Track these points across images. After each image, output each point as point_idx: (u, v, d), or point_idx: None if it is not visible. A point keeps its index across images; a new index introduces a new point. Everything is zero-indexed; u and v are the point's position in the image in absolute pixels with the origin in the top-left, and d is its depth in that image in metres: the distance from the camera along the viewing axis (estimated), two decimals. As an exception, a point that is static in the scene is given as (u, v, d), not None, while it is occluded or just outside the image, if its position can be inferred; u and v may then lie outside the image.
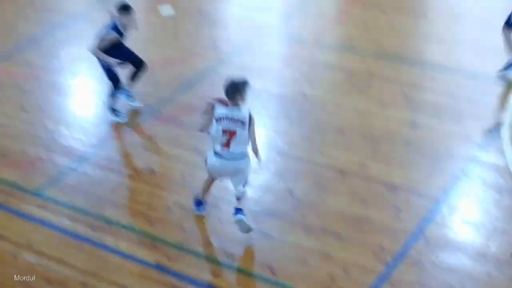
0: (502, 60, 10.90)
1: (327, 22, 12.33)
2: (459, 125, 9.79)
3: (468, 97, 10.31)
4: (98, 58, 9.72)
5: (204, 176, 8.12)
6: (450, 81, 10.69)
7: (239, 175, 7.85)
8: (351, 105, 10.27)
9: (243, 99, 7.63)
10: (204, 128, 7.78)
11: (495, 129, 9.67)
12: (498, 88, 10.50)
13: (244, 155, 7.79)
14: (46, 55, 11.74)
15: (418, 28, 12.06)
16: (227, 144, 7.64)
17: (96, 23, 12.54)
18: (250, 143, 7.78)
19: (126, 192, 8.88)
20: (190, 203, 8.38)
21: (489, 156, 9.21)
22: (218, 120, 7.61)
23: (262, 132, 9.84)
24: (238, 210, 7.87)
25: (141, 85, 10.67)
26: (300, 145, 9.55)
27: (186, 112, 10.23)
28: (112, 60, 9.61)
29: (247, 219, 7.85)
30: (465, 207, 8.43)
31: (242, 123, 7.60)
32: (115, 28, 9.67)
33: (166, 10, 12.86)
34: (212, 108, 7.71)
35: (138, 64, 10.02)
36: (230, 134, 7.61)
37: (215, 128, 7.63)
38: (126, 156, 9.51)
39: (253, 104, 10.38)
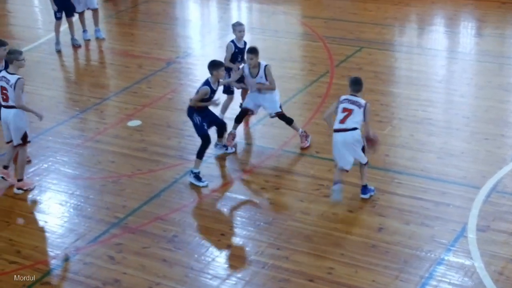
0: (467, 165, 11.14)
1: (291, 131, 12.47)
2: (425, 227, 9.85)
3: (433, 200, 10.40)
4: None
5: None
6: (415, 184, 10.81)
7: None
8: (318, 211, 10.32)
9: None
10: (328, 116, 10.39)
11: (461, 229, 9.73)
12: (462, 190, 10.62)
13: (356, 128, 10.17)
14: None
15: (382, 134, 12.25)
16: (342, 120, 10.12)
17: None
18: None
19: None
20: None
21: (456, 257, 9.24)
22: (342, 102, 10.23)
23: (230, 240, 9.85)
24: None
25: (108, 196, 10.73)
26: (267, 252, 9.53)
27: (153, 222, 10.22)
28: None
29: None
30: (434, 309, 8.39)
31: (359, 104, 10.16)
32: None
33: (134, 122, 13.07)
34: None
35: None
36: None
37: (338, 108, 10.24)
38: (92, 268, 9.39)
39: (220, 211, 10.50)
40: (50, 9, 16.67)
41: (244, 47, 12.37)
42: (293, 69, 15.00)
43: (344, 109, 10.16)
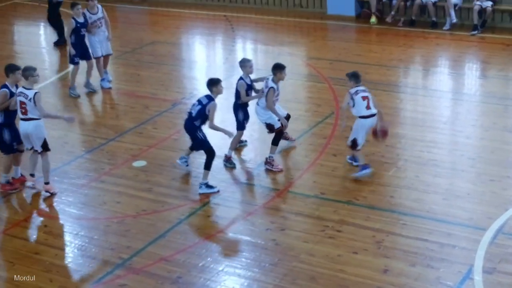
0: (473, 206, 11.11)
1: (297, 172, 12.50)
2: (431, 268, 9.79)
3: (439, 242, 10.36)
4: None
5: None
6: (421, 226, 10.77)
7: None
8: (323, 252, 10.28)
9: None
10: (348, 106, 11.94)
11: (467, 271, 9.67)
12: (468, 232, 10.57)
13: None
14: None
15: (387, 176, 12.25)
16: (368, 107, 11.80)
17: None
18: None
19: None
20: None
21: (462, 300, 9.19)
22: (356, 93, 11.83)
23: (235, 281, 9.80)
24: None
25: (113, 237, 10.72)
26: (272, 293, 9.50)
27: (157, 263, 10.18)
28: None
29: None
30: None
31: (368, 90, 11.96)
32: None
33: (139, 163, 13.10)
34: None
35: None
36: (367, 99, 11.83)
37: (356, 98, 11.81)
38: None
39: (225, 252, 10.47)
40: (56, 49, 16.77)
41: (251, 83, 12.93)
42: (298, 110, 15.03)
43: (363, 97, 11.81)
